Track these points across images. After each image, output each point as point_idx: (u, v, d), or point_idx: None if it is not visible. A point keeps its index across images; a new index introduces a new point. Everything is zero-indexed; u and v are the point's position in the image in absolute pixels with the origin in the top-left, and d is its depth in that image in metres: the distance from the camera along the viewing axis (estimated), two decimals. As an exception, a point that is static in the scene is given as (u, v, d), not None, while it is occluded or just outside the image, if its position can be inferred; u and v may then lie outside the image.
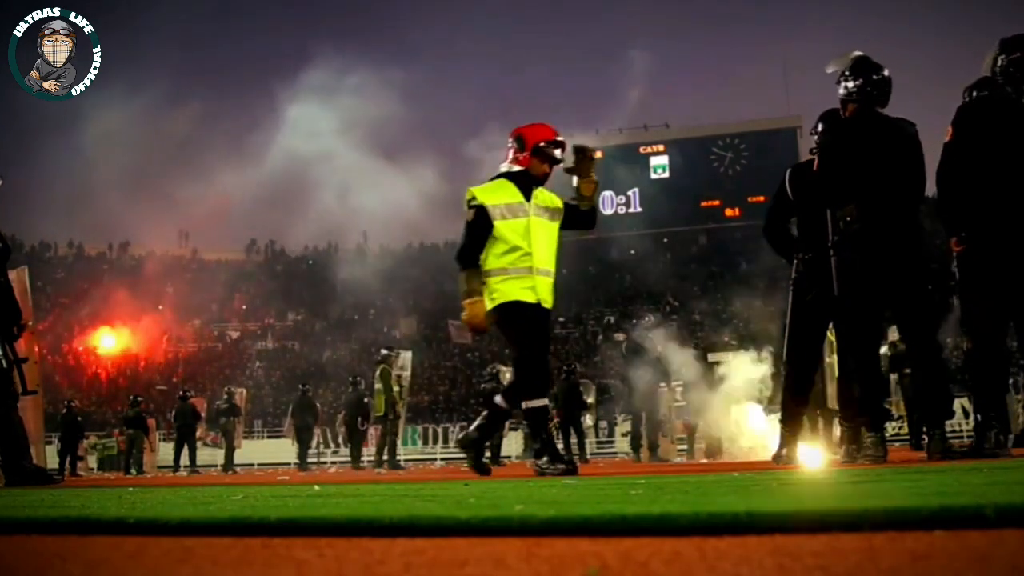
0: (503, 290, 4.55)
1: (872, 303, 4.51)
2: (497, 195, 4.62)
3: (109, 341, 36.55)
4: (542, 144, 4.69)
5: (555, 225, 4.76)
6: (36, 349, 7.86)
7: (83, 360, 35.85)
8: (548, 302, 4.64)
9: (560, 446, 17.38)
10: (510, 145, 4.78)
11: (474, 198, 4.60)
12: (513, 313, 4.54)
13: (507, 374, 16.01)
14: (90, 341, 36.43)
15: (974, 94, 4.60)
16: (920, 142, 4.58)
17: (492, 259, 4.60)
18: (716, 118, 45.30)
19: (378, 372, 12.20)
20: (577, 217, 4.87)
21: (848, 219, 4.48)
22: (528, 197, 4.65)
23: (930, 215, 5.32)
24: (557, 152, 4.73)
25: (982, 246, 4.35)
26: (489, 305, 4.58)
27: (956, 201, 4.41)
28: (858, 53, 4.69)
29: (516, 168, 4.72)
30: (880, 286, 4.46)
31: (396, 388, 12.64)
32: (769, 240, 5.51)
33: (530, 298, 4.55)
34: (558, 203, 4.80)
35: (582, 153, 4.87)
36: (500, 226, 4.57)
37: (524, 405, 4.58)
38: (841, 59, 4.69)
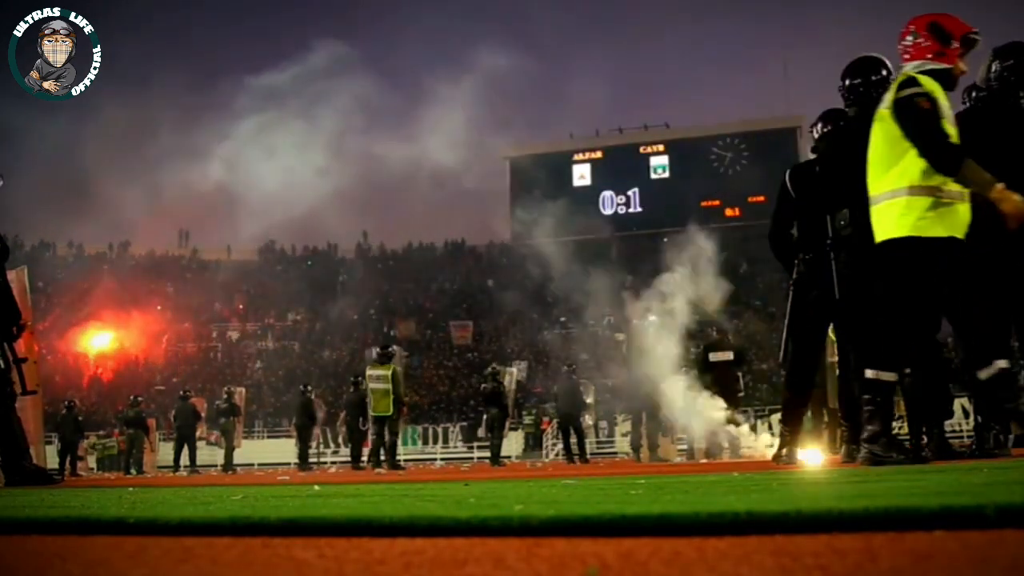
0: (932, 218, 3.57)
1: (869, 306, 4.52)
2: (939, 92, 3.66)
3: (108, 341, 36.54)
4: (971, 35, 3.72)
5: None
6: (36, 348, 7.86)
7: (83, 360, 35.82)
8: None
9: (560, 446, 17.58)
10: (917, 39, 3.77)
11: (920, 84, 3.61)
12: (938, 253, 3.58)
13: (507, 375, 16.01)
14: (90, 341, 36.41)
15: (974, 94, 4.61)
16: None
17: (920, 174, 3.56)
18: (716, 118, 45.23)
19: (389, 372, 12.11)
20: None
21: (842, 223, 4.51)
22: None
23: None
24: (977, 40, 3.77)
25: (981, 249, 4.36)
26: (902, 231, 3.58)
27: None
28: (868, 55, 4.69)
29: (938, 65, 3.71)
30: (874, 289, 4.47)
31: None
32: (773, 245, 5.46)
33: (959, 232, 3.61)
34: None
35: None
36: (948, 131, 3.56)
37: (983, 373, 3.67)
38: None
